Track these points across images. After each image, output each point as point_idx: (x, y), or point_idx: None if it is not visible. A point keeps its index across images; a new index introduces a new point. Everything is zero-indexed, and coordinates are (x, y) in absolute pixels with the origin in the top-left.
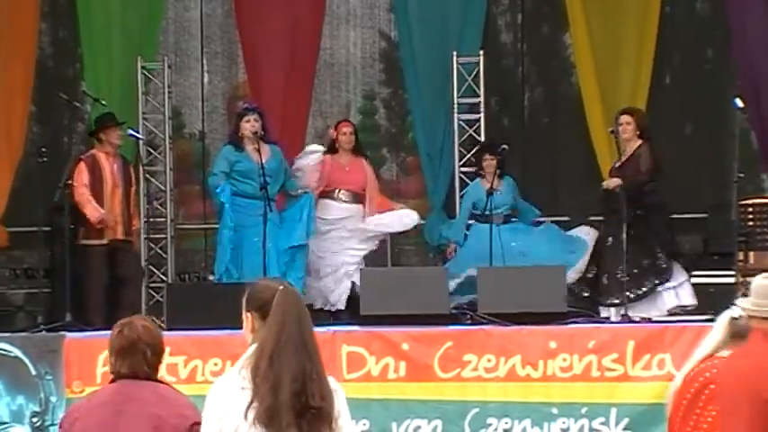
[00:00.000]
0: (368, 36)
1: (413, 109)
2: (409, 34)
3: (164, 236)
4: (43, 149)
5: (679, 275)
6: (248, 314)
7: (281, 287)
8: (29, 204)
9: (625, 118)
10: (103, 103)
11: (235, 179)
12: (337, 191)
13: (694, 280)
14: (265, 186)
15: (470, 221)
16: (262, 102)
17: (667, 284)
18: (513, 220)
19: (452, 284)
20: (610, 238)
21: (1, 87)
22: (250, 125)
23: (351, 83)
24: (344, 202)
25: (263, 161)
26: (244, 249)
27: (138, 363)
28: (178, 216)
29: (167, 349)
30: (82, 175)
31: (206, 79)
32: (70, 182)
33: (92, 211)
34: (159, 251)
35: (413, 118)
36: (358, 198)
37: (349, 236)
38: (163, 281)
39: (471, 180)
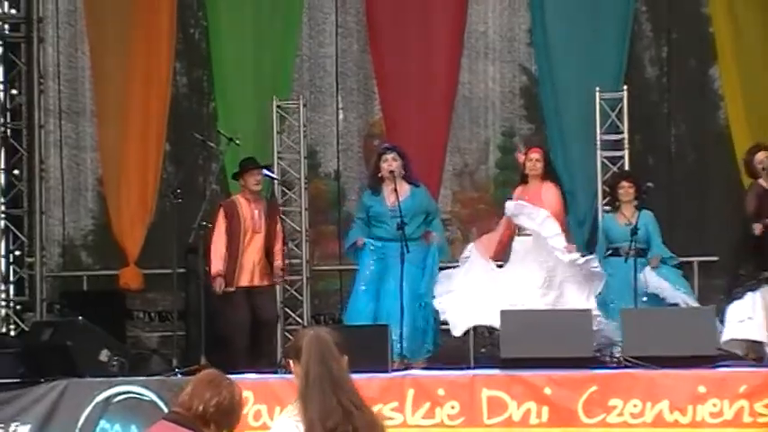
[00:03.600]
0: (507, 70)
1: (553, 146)
2: (549, 69)
3: (299, 277)
4: (178, 190)
5: None
6: (289, 361)
7: (312, 332)
8: (163, 246)
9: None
10: (238, 142)
11: (372, 224)
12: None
13: None
14: (402, 227)
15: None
16: (397, 139)
17: None
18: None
19: None
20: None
21: (137, 127)
22: (387, 165)
23: (490, 119)
24: (525, 234)
25: (400, 201)
26: (381, 293)
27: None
28: (313, 257)
29: None
30: (217, 223)
31: (341, 117)
32: (204, 223)
33: (214, 263)
34: (295, 293)
35: (554, 155)
36: None
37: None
38: (298, 323)
39: None
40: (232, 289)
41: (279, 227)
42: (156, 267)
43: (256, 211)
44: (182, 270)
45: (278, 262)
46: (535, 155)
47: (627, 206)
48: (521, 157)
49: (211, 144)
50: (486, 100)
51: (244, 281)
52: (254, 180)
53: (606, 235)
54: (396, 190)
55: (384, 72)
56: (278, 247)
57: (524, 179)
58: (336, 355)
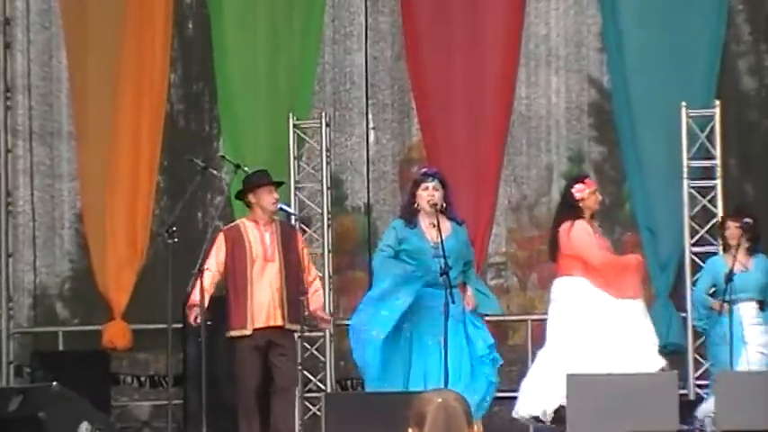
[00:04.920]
0: (574, 82)
1: (630, 173)
2: (625, 80)
3: (321, 334)
4: (173, 228)
5: None
6: (408, 429)
7: (440, 400)
8: (156, 296)
9: None
10: (246, 169)
11: (402, 260)
12: None
13: None
14: (446, 271)
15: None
16: (440, 165)
17: None
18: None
19: None
20: None
21: (125, 152)
22: (428, 195)
23: (553, 141)
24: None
25: (443, 239)
26: (414, 352)
27: None
28: (339, 309)
29: None
30: (214, 250)
31: (372, 138)
32: (206, 268)
33: (193, 291)
34: (316, 353)
35: (630, 185)
36: None
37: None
38: (320, 389)
39: (705, 262)
40: (248, 332)
41: (303, 253)
42: (148, 322)
43: (267, 234)
44: (178, 325)
45: (315, 305)
46: (594, 187)
47: (740, 250)
48: (582, 190)
49: (214, 172)
50: (549, 118)
51: (259, 321)
52: (270, 198)
53: (713, 283)
54: (437, 225)
55: (424, 84)
56: (310, 279)
57: (579, 214)
58: (464, 429)
